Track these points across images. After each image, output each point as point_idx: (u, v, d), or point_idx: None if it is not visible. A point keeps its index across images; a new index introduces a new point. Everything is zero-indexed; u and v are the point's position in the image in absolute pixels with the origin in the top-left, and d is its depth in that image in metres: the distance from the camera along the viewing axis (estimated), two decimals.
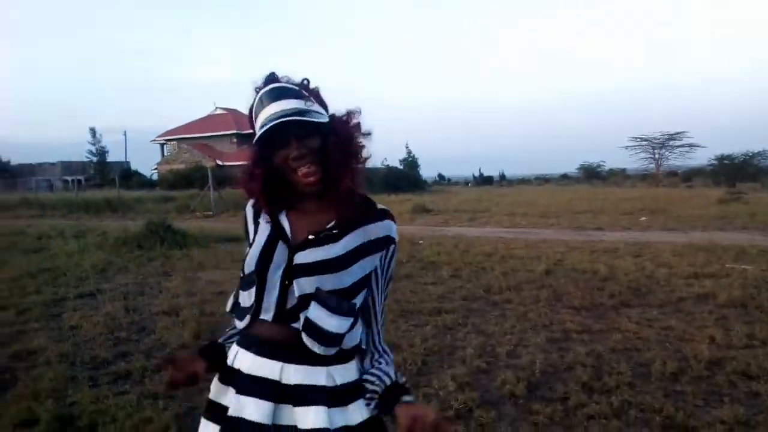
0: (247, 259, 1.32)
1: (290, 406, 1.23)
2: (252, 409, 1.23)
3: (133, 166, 60.07)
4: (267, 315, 1.28)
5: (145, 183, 48.09)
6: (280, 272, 1.27)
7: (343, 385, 1.27)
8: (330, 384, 1.25)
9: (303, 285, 1.25)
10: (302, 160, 1.24)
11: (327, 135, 1.26)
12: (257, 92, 1.28)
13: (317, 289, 1.24)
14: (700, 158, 51.69)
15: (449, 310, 5.53)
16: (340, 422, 1.24)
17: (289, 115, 1.21)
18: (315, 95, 1.30)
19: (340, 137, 1.27)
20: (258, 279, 1.29)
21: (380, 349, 1.36)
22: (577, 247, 9.85)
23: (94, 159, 57.56)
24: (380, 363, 1.34)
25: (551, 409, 3.30)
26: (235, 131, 50.71)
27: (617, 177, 56.21)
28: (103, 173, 53.27)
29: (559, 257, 8.61)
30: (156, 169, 53.32)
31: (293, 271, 1.26)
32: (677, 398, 3.47)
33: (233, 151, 50.63)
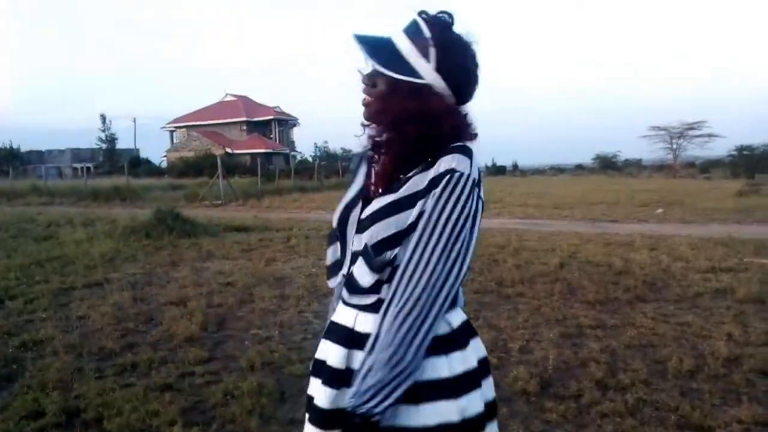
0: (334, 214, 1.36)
1: (359, 351, 1.23)
2: (332, 353, 1.28)
3: (143, 154, 60.63)
4: (345, 269, 1.31)
5: (154, 171, 48.29)
6: (354, 228, 1.29)
7: None
8: None
9: (357, 241, 1.27)
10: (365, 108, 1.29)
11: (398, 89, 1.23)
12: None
13: (365, 245, 1.23)
14: (719, 149, 50.88)
15: None
16: None
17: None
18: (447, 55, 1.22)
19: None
20: (340, 235, 1.33)
21: (393, 312, 1.15)
22: (592, 239, 9.74)
23: (104, 146, 57.86)
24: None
25: (564, 407, 3.23)
26: (245, 118, 50.75)
27: (633, 168, 55.65)
28: (112, 161, 53.55)
29: (573, 250, 8.49)
30: (165, 156, 53.57)
31: (358, 227, 1.28)
32: (693, 396, 3.39)
33: (243, 138, 50.70)
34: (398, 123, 1.22)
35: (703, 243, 9.00)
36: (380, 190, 1.26)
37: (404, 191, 1.20)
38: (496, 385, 3.54)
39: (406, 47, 1.22)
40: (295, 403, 3.35)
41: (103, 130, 57.33)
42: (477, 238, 1.21)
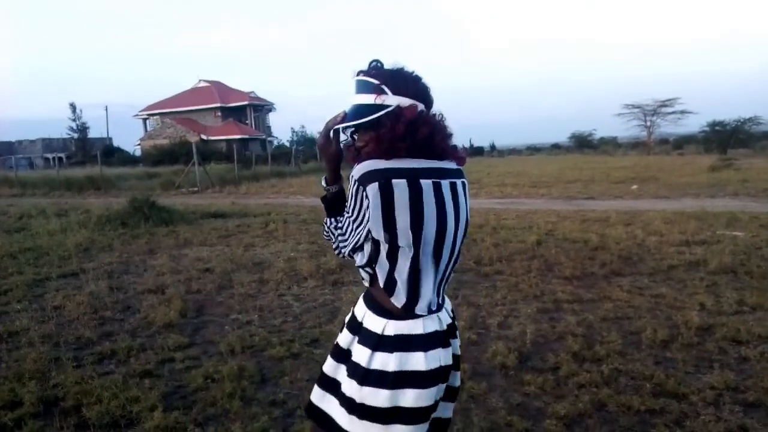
0: None
1: None
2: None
3: (116, 142, 59.37)
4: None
5: (128, 159, 47.43)
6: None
7: None
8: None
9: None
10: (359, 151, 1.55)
11: (382, 125, 1.47)
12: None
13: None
14: (692, 125, 51.09)
15: None
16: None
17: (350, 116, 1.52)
18: (397, 84, 1.49)
19: (385, 133, 1.47)
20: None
21: None
22: (569, 216, 9.84)
23: (75, 136, 56.50)
24: None
25: (542, 379, 3.28)
26: (219, 104, 50.03)
27: (608, 145, 56.01)
28: (85, 150, 52.43)
29: (550, 227, 8.59)
30: (139, 144, 52.67)
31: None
32: (667, 365, 3.47)
33: (218, 125, 50.04)
34: (394, 144, 1.46)
35: (677, 217, 9.15)
36: None
37: None
38: (476, 361, 3.60)
39: (366, 98, 1.49)
40: (276, 385, 3.35)
41: (74, 120, 55.95)
42: None
